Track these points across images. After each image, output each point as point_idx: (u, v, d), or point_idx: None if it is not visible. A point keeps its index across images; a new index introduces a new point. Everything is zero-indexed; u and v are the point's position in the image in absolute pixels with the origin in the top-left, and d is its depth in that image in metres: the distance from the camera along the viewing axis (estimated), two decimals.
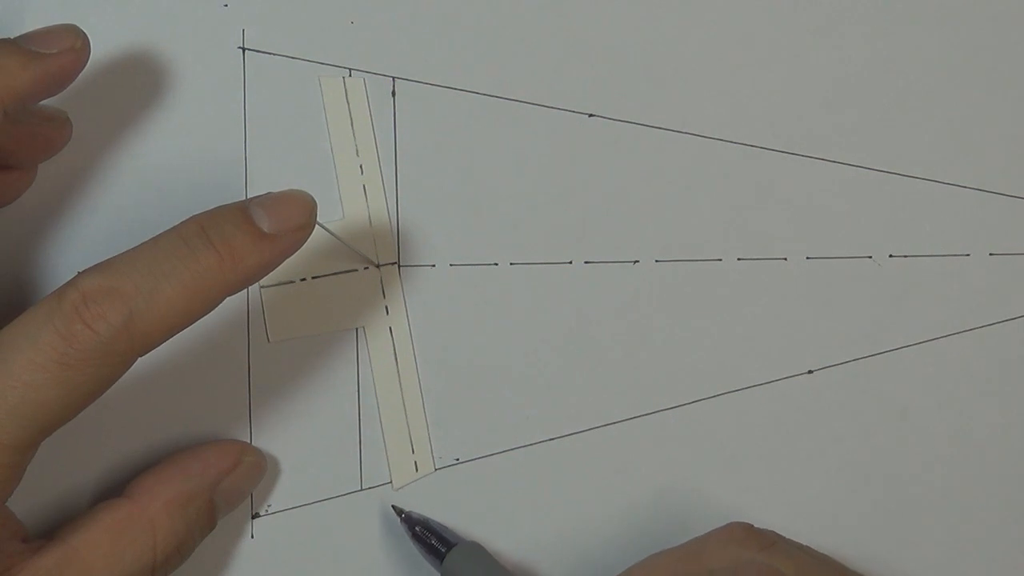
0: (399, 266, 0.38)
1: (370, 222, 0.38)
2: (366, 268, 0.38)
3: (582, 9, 0.39)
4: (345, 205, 0.38)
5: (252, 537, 0.37)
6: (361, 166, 0.38)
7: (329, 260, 0.37)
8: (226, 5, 0.37)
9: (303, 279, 0.37)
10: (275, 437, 0.37)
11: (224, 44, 0.37)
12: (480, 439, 0.38)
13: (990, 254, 0.40)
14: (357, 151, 0.38)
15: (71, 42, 0.32)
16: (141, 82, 0.37)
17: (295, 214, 0.31)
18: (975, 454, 0.39)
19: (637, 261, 0.39)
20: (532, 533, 0.38)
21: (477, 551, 0.36)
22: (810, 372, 0.39)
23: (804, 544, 0.35)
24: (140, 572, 0.32)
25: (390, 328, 0.38)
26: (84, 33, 0.33)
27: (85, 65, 0.33)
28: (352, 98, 0.38)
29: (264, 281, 0.36)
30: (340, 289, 0.37)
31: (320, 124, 0.38)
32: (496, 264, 0.38)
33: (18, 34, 0.32)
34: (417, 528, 0.36)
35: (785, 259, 0.39)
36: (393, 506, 0.37)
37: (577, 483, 0.38)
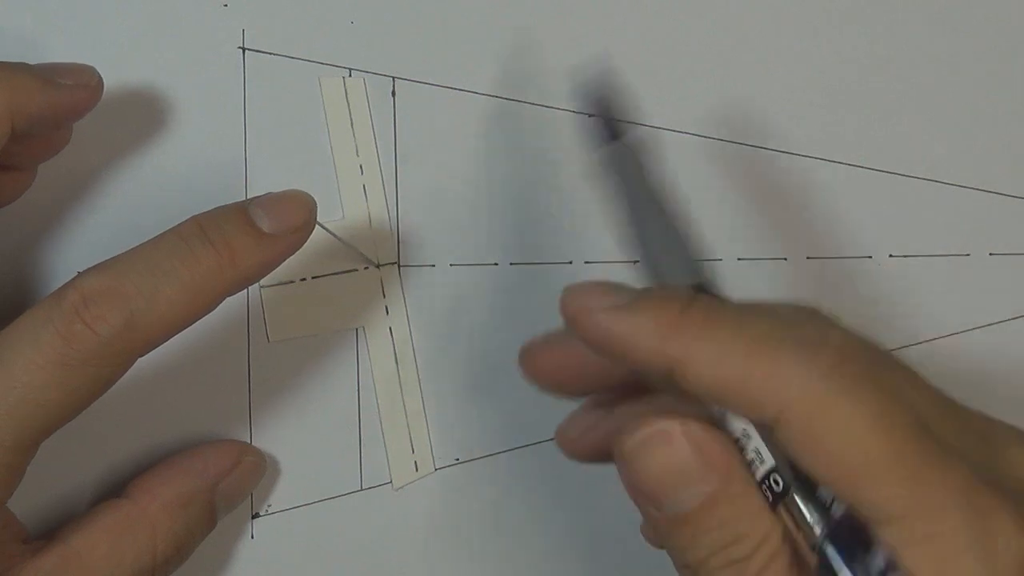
0: (399, 266, 0.38)
1: (370, 222, 0.38)
2: (366, 268, 0.38)
3: (582, 9, 0.39)
4: (345, 205, 0.38)
5: (252, 537, 0.37)
6: (361, 166, 0.38)
7: (329, 260, 0.37)
8: (226, 5, 0.37)
9: (303, 279, 0.37)
10: (275, 437, 0.37)
11: (224, 44, 0.37)
12: (480, 439, 0.38)
13: (990, 254, 0.40)
14: (357, 151, 0.38)
15: (87, 79, 0.33)
16: (141, 82, 0.37)
17: (295, 214, 0.31)
18: None
19: (637, 261, 0.39)
20: (532, 533, 0.38)
21: (640, 152, 0.32)
22: None
23: None
24: (140, 572, 0.32)
25: (390, 328, 0.38)
26: (99, 75, 0.33)
27: (95, 105, 0.33)
28: (352, 98, 0.38)
29: (264, 281, 0.36)
30: (340, 289, 0.37)
31: (320, 124, 0.38)
32: (496, 264, 0.38)
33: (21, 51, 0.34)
34: (592, 112, 0.32)
35: (785, 259, 0.39)
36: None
37: (577, 483, 0.38)
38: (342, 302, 0.37)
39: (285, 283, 0.37)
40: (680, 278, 0.30)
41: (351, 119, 0.38)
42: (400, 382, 0.38)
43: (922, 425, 0.26)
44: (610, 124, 0.32)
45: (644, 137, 0.32)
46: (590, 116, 0.32)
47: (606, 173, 0.31)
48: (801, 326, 0.27)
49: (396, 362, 0.38)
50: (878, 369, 0.27)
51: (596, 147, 0.32)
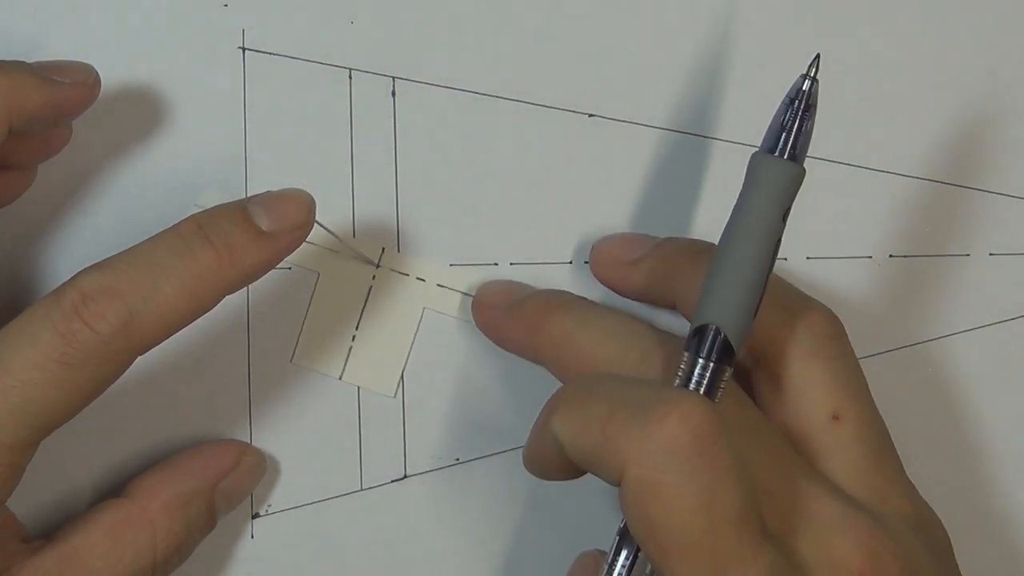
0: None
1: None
2: (374, 277, 0.38)
3: (582, 9, 0.39)
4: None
5: (252, 537, 0.37)
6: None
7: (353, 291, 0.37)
8: (226, 5, 0.37)
9: (353, 335, 0.37)
10: (275, 437, 0.37)
11: (224, 44, 0.37)
12: (480, 439, 0.38)
13: (990, 254, 0.40)
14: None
15: (84, 77, 0.33)
16: (141, 82, 0.37)
17: (293, 213, 0.31)
18: (975, 454, 0.39)
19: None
20: (532, 532, 0.38)
21: (797, 180, 0.31)
22: None
23: None
24: (140, 572, 0.32)
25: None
26: (97, 72, 0.34)
27: (92, 102, 0.34)
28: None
29: (329, 371, 0.37)
30: (386, 317, 0.37)
31: (319, 124, 0.38)
32: (496, 264, 0.38)
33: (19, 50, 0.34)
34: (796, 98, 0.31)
35: (785, 259, 0.39)
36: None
37: (578, 483, 0.38)
38: (393, 326, 0.38)
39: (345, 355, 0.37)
40: (722, 312, 0.30)
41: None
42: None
43: (746, 508, 0.27)
44: (796, 140, 0.31)
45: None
46: (782, 124, 0.31)
47: (756, 182, 0.31)
48: (657, 393, 0.28)
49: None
50: (722, 440, 0.27)
51: (765, 152, 0.31)
